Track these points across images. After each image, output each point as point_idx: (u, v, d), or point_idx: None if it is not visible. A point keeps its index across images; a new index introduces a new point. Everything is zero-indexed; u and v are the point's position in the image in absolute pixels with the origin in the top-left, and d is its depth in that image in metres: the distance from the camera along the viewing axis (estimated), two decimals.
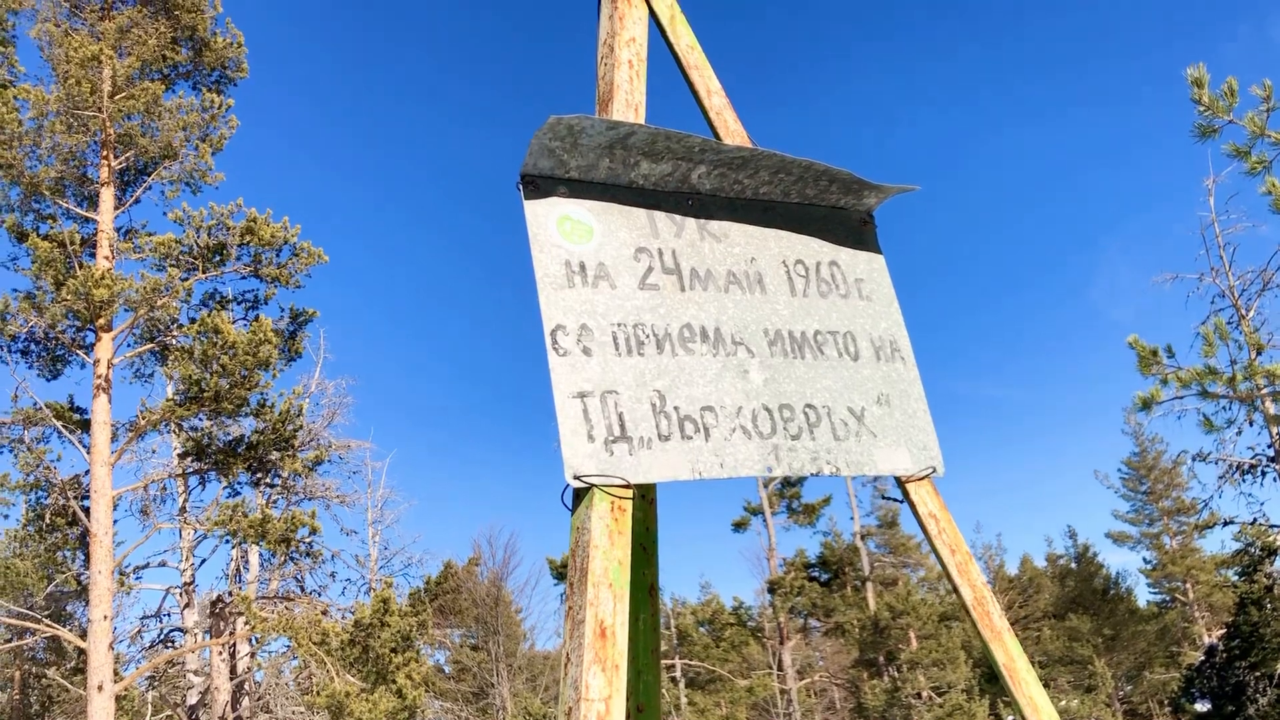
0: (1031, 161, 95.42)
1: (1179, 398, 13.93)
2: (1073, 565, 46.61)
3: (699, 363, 3.32)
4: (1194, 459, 18.62)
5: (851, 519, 37.02)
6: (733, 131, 3.97)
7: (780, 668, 35.00)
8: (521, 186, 3.31)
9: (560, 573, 32.37)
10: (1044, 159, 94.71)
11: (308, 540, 17.21)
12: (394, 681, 15.58)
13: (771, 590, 35.89)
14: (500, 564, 41.48)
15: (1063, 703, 36.39)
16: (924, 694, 34.21)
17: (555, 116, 3.18)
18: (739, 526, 38.12)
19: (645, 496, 3.75)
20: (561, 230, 3.29)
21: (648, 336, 3.26)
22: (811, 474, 3.39)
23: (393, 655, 15.70)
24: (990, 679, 33.66)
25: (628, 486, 2.89)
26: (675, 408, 3.15)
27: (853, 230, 4.12)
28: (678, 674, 36.75)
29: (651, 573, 3.46)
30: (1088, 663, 38.79)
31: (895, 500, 3.80)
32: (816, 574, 39.12)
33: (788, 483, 35.62)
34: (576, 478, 2.87)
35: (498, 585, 40.72)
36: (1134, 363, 13.66)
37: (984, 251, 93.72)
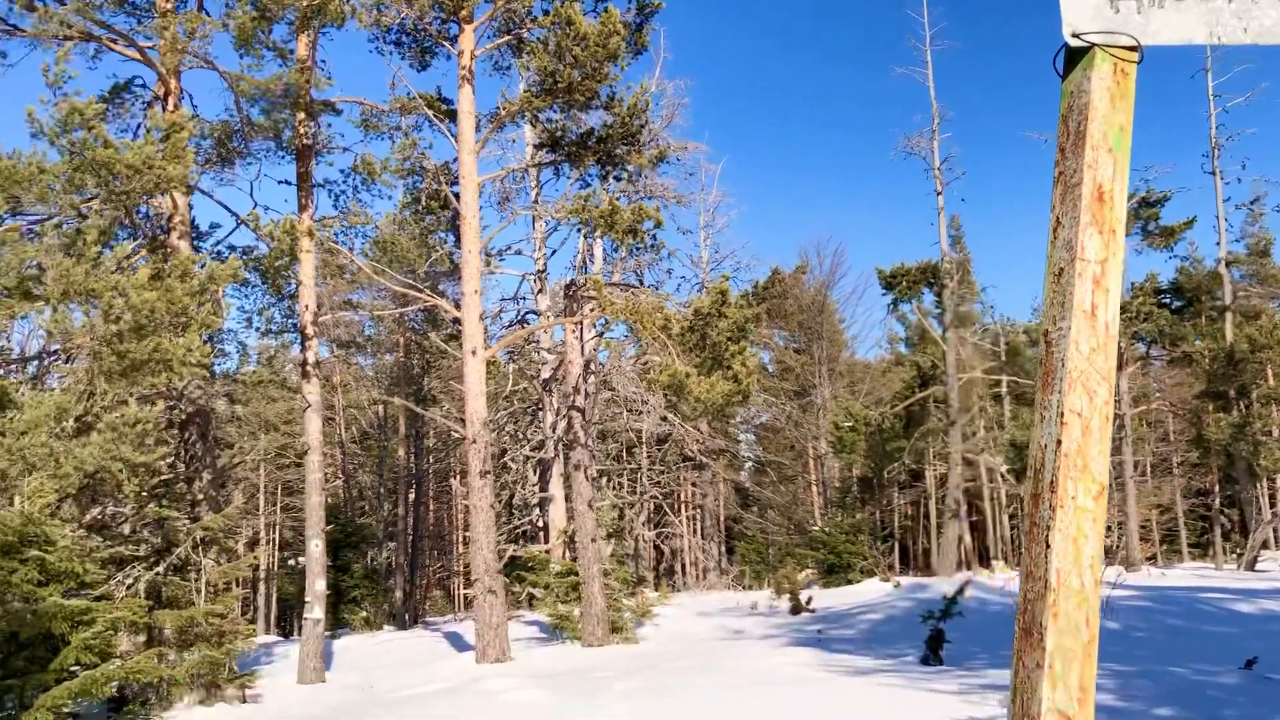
0: None
1: None
2: None
3: None
4: None
5: (1217, 244, 33.65)
6: None
7: (1115, 394, 33.63)
8: None
9: (889, 283, 32.14)
10: None
11: (652, 233, 17.94)
12: (729, 368, 16.44)
13: None
14: (827, 272, 41.73)
15: None
16: (1275, 431, 31.95)
17: None
18: None
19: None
20: None
21: None
22: None
23: (729, 344, 16.47)
24: None
25: (1134, 48, 2.63)
26: None
27: None
28: (1003, 390, 36.29)
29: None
30: None
31: None
32: (1168, 300, 36.47)
33: (1145, 202, 32.72)
34: (1075, 35, 2.63)
35: (823, 293, 41.16)
36: None
37: None
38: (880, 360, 47.13)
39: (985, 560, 36.72)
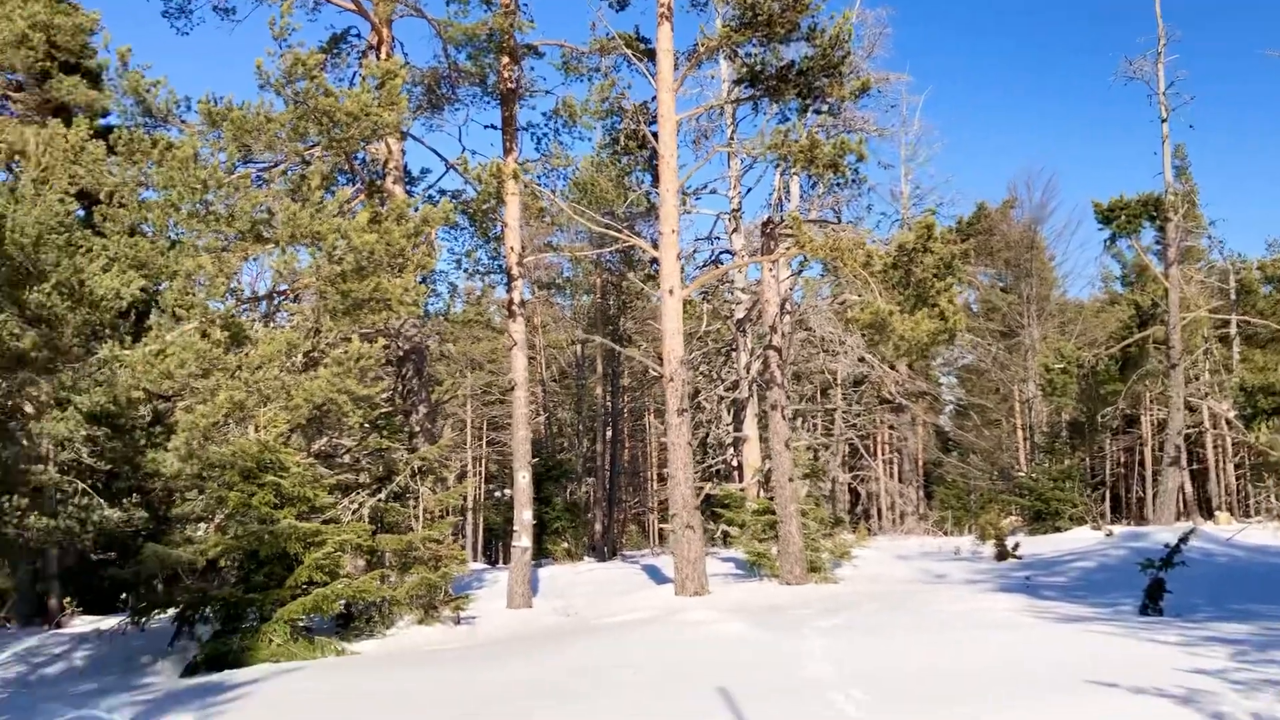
0: None
1: None
2: None
3: None
4: None
5: None
6: None
7: None
8: None
9: (1106, 217, 30.15)
10: None
11: (853, 167, 17.49)
12: (934, 305, 15.92)
13: None
14: (1037, 207, 39.71)
15: None
16: None
17: None
18: None
19: None
20: None
21: None
22: None
23: (934, 280, 15.93)
24: None
25: None
26: None
27: None
28: (1232, 331, 33.75)
29: None
30: None
31: None
32: None
33: None
34: None
35: (1032, 229, 39.23)
36: None
37: None
38: (1093, 300, 44.67)
39: (1206, 511, 34.56)
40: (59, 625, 20.08)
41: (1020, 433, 39.82)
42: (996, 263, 40.10)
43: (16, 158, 22.48)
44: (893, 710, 7.21)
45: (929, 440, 43.52)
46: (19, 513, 18.18)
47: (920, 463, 41.33)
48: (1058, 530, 28.00)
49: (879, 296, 16.04)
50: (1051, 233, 41.53)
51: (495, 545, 48.06)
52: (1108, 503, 38.89)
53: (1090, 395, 33.60)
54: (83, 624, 19.29)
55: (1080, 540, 23.51)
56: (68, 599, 21.87)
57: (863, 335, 23.17)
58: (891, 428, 40.61)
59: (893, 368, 32.37)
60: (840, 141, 16.90)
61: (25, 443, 19.50)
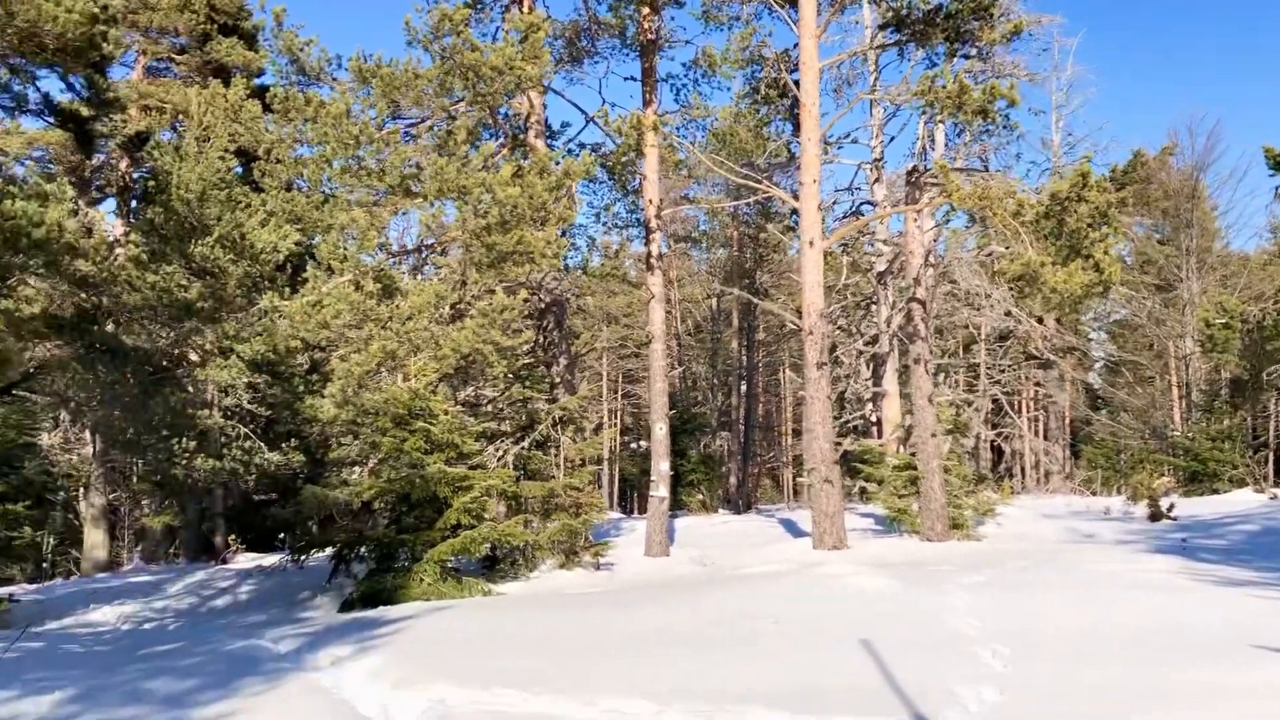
0: None
1: None
2: None
3: None
4: None
5: None
6: None
7: None
8: None
9: (1278, 161, 28.27)
10: None
11: (1004, 114, 16.85)
12: (1089, 256, 15.28)
13: None
14: (1199, 153, 37.51)
15: None
16: None
17: None
18: None
19: None
20: None
21: None
22: None
23: (1089, 230, 15.28)
24: None
25: None
26: None
27: None
28: None
29: None
30: None
31: None
32: None
33: None
34: None
35: (1194, 177, 37.12)
36: None
37: None
38: (1260, 251, 42.05)
39: None
40: (224, 561, 21.37)
41: (1176, 390, 38.03)
42: (1153, 213, 38.13)
43: (180, 117, 23.63)
44: (1041, 668, 7.07)
45: (1077, 397, 42.01)
46: (187, 455, 19.33)
47: (1067, 420, 39.96)
48: (1215, 492, 26.76)
49: (1029, 247, 15.49)
50: (1215, 181, 39.19)
51: (630, 496, 48.76)
52: (1271, 465, 36.89)
53: (1254, 352, 31.75)
54: (245, 561, 20.50)
55: (1241, 503, 22.41)
56: (232, 537, 23.25)
57: (1010, 288, 22.44)
58: (1038, 384, 39.32)
59: (1040, 322, 31.30)
60: (990, 86, 16.27)
61: (191, 389, 20.69)
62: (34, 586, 20.64)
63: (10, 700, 6.92)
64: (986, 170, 24.32)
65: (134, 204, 24.08)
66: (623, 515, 33.41)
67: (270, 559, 18.69)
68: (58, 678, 7.84)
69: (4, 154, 21.38)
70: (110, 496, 26.18)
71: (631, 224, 21.14)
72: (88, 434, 25.74)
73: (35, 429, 22.58)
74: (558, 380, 18.37)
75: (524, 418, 17.00)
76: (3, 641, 9.17)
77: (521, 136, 18.08)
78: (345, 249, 15.18)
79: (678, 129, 20.33)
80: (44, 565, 28.92)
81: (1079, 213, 15.29)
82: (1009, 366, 36.28)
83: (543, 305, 18.42)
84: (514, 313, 14.98)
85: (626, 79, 19.92)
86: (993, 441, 38.25)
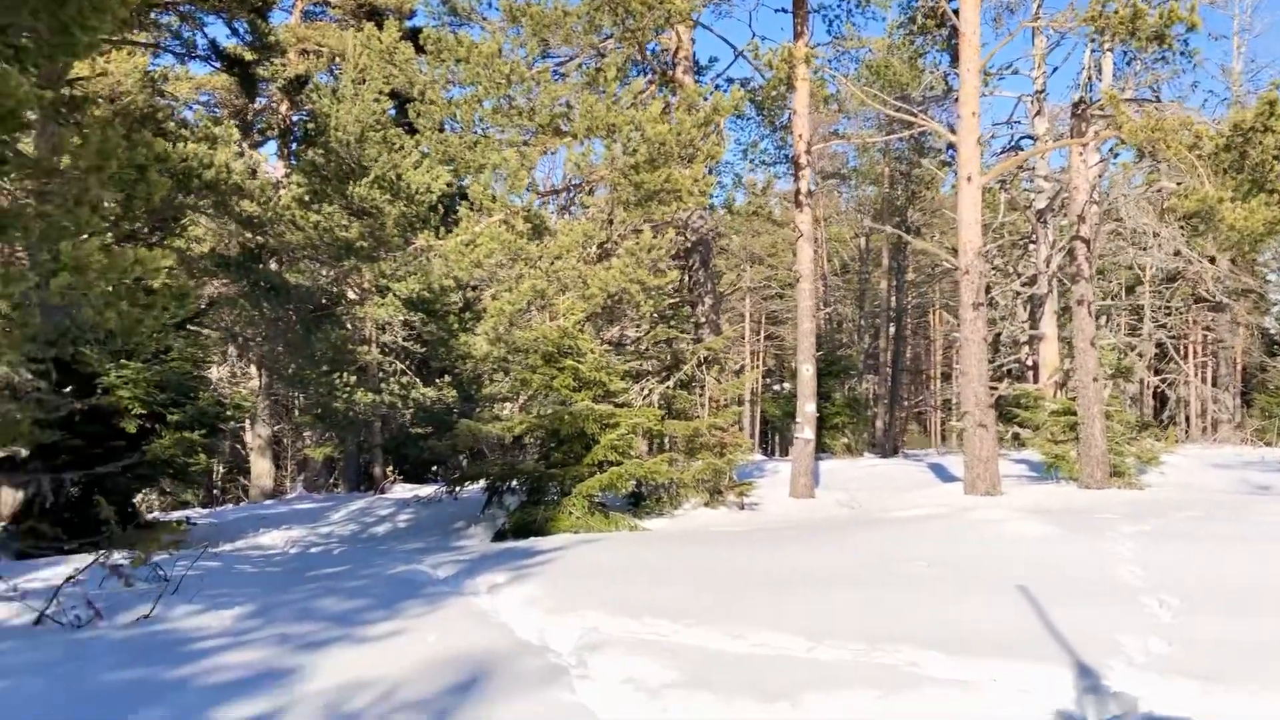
0: None
1: None
2: None
3: None
4: None
5: None
6: None
7: None
8: None
9: None
10: None
11: (1183, 38, 15.77)
12: (1274, 192, 14.26)
13: None
14: None
15: None
16: None
17: None
18: None
19: None
20: None
21: None
22: None
23: (1275, 163, 14.24)
24: None
25: None
26: None
27: None
28: None
29: None
30: None
31: None
32: None
33: None
34: None
35: None
36: None
37: None
38: None
39: None
40: (382, 491, 22.32)
41: None
42: None
43: (337, 60, 24.30)
44: (1211, 620, 6.74)
45: (1251, 343, 39.59)
46: (347, 389, 20.19)
47: (1239, 367, 37.76)
48: None
49: (1207, 182, 14.54)
50: None
51: (773, 437, 48.62)
52: None
53: None
54: (402, 491, 21.35)
55: None
56: (389, 468, 24.23)
57: (1181, 227, 21.20)
58: (1207, 328, 37.25)
59: (1213, 262, 29.51)
60: (1169, 10, 15.23)
61: (350, 326, 21.54)
62: (207, 511, 22.04)
63: (196, 614, 7.41)
64: (1158, 101, 22.91)
65: (294, 146, 25.00)
66: (765, 457, 33.35)
67: (426, 490, 19.41)
68: (236, 594, 8.35)
69: (175, 99, 22.45)
70: (275, 428, 27.65)
71: (779, 160, 20.85)
72: (254, 368, 27.18)
73: (207, 362, 24.03)
74: (703, 320, 18.34)
75: (669, 357, 17.05)
76: (185, 560, 9.80)
77: (670, 73, 17.91)
78: (495, 189, 15.42)
79: (829, 61, 19.83)
80: (214, 491, 30.83)
81: (1264, 144, 14.25)
82: (1176, 309, 34.43)
83: (689, 244, 18.36)
84: (660, 252, 14.98)
85: (777, 10, 19.40)
86: (1156, 388, 36.51)
